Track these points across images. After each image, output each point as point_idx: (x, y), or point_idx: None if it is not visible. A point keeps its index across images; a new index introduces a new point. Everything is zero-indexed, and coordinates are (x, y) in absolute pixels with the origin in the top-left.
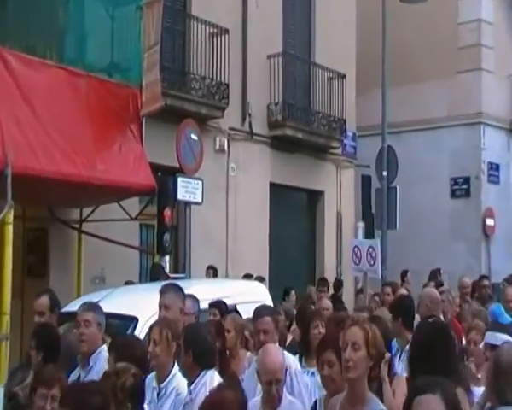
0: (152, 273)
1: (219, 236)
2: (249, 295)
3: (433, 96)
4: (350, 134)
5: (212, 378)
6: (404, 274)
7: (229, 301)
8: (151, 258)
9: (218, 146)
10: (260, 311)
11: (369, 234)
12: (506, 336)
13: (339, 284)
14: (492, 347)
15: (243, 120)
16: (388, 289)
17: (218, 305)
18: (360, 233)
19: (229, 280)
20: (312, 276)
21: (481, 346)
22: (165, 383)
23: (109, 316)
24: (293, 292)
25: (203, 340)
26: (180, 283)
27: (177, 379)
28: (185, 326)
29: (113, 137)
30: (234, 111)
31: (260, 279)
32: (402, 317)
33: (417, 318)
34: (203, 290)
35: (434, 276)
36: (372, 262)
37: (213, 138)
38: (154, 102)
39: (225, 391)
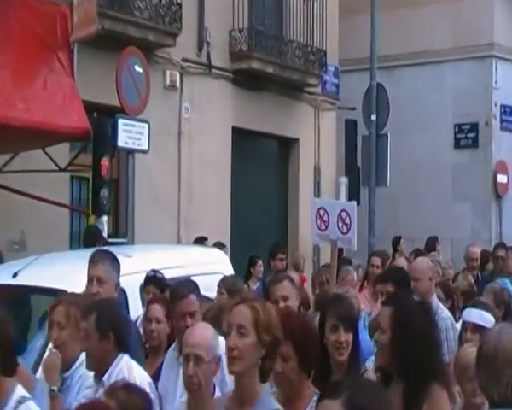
0: (86, 238)
1: (170, 192)
2: (206, 266)
3: (434, 24)
4: (331, 69)
5: (129, 365)
6: (396, 242)
7: (180, 273)
8: (85, 219)
9: (168, 81)
10: (181, 288)
11: (353, 192)
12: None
13: None
14: (476, 328)
15: (199, 49)
16: (377, 260)
17: (155, 280)
18: (342, 191)
19: (181, 247)
20: (284, 242)
21: (458, 325)
22: (70, 372)
23: (31, 290)
24: (260, 262)
25: (123, 319)
26: (120, 249)
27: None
28: (97, 301)
29: (37, 69)
30: (188, 38)
31: (220, 246)
32: (392, 281)
33: None
34: (149, 259)
35: (432, 245)
36: (345, 230)
37: (162, 72)
38: (87, 25)
39: (116, 395)
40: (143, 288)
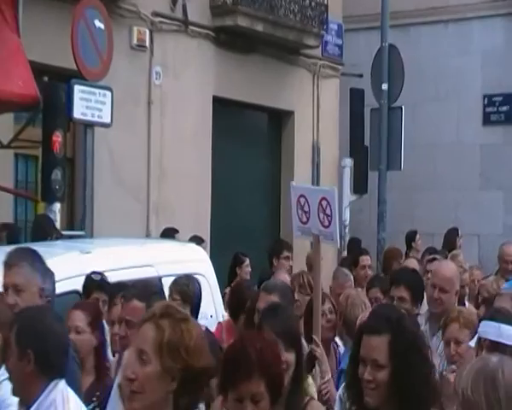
0: (34, 230)
1: (137, 174)
2: (181, 265)
3: None
4: (334, 27)
5: (65, 395)
6: (410, 238)
7: (149, 273)
8: (33, 207)
9: (135, 40)
10: (129, 292)
11: (359, 177)
12: None
13: None
14: (494, 345)
15: (174, 2)
16: (366, 260)
17: (100, 285)
18: (346, 176)
19: (151, 241)
20: (275, 236)
21: (471, 343)
22: None
23: None
24: (247, 261)
25: (49, 333)
26: (77, 244)
27: (6, 387)
28: (18, 312)
29: None
30: None
31: (198, 240)
32: (404, 285)
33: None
34: (111, 256)
35: (452, 240)
36: (326, 222)
37: (129, 28)
38: None
39: None
40: (83, 295)
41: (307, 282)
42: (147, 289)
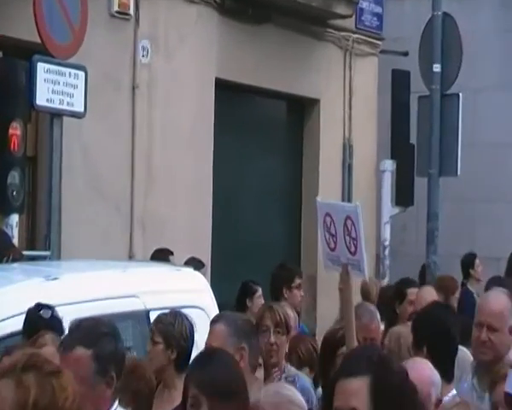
0: None
1: (118, 178)
2: (175, 295)
3: None
4: None
5: None
6: (468, 263)
7: (133, 306)
8: None
9: (116, 6)
10: (71, 337)
11: (403, 185)
12: None
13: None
14: None
15: None
16: (412, 293)
17: (50, 324)
18: (387, 182)
19: (135, 265)
20: (295, 258)
21: None
22: None
23: None
24: (259, 291)
25: None
26: (40, 267)
27: None
28: None
29: None
30: None
31: (196, 264)
32: (427, 346)
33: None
34: (84, 283)
35: None
36: (352, 248)
37: None
38: None
39: None
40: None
41: (284, 318)
42: (94, 329)
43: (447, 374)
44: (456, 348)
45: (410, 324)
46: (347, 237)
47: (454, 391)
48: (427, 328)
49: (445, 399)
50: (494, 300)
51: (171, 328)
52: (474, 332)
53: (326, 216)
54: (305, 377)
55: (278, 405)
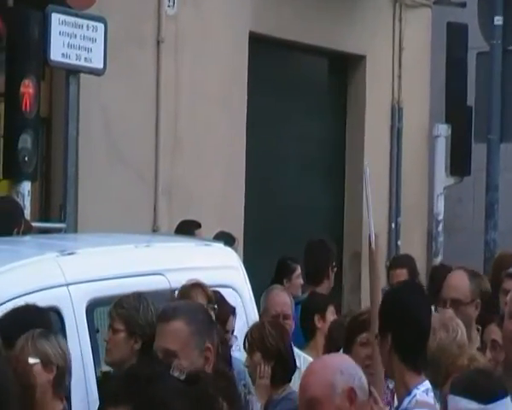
0: None
1: (142, 145)
2: (203, 272)
3: None
4: None
5: None
6: None
7: (158, 284)
8: None
9: None
10: None
11: (460, 151)
12: None
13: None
14: None
15: None
16: None
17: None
18: (440, 149)
19: (160, 239)
20: (338, 233)
21: None
22: None
23: None
24: (298, 269)
25: None
26: (55, 240)
27: None
28: None
29: None
30: None
31: (227, 239)
32: (392, 333)
33: None
34: (104, 259)
35: None
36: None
37: None
38: None
39: None
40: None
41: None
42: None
43: (414, 363)
44: (425, 334)
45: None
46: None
47: (427, 384)
48: (392, 313)
49: (415, 391)
50: None
51: (135, 313)
52: (508, 324)
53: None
54: (240, 360)
55: None
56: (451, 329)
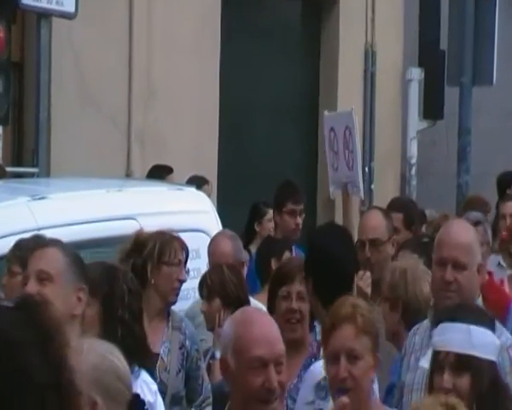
0: None
1: (114, 90)
2: (176, 216)
3: None
4: None
5: None
6: (505, 182)
7: (130, 228)
8: None
9: None
10: None
11: (432, 95)
12: None
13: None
14: (462, 361)
15: None
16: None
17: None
18: (413, 92)
19: (133, 183)
20: (311, 179)
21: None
22: None
23: None
24: (270, 213)
25: None
26: (28, 185)
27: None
28: None
29: None
30: None
31: (200, 182)
32: (313, 276)
33: None
34: (77, 204)
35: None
36: (350, 162)
37: None
38: None
39: None
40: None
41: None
42: None
43: None
44: (346, 278)
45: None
46: (346, 151)
47: None
48: (311, 256)
49: None
50: (461, 231)
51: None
52: (435, 271)
53: (330, 132)
54: (190, 324)
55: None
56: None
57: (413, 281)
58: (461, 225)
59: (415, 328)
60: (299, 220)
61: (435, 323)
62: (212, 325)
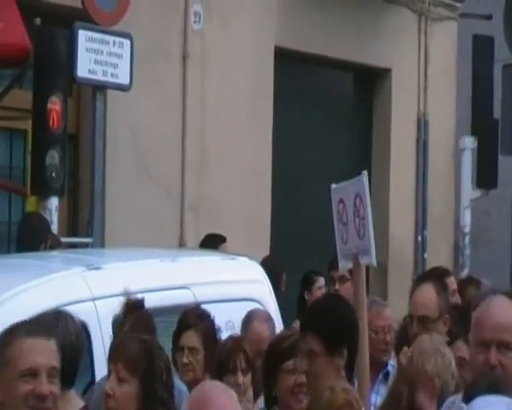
0: (22, 235)
1: (168, 160)
2: (229, 286)
3: None
4: None
5: None
6: None
7: (183, 298)
8: (20, 202)
9: None
10: None
11: (486, 164)
12: None
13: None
14: None
15: None
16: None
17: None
18: (467, 161)
19: (187, 253)
20: None
21: None
22: None
23: None
24: (320, 281)
25: None
26: (82, 255)
27: None
28: None
29: None
30: None
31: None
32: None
33: None
34: (131, 274)
35: None
36: (361, 231)
37: None
38: None
39: None
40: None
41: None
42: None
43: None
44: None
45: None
46: (357, 219)
47: None
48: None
49: None
50: (502, 309)
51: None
52: (476, 355)
53: (339, 204)
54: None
55: None
56: (446, 356)
57: (418, 355)
58: (502, 303)
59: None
60: None
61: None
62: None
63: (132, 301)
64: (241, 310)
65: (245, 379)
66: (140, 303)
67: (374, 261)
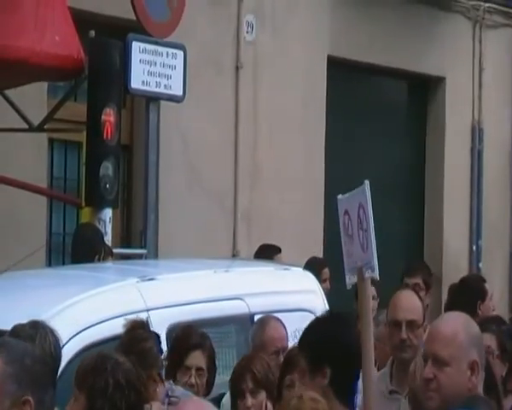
0: (76, 246)
1: (221, 171)
2: (283, 297)
3: None
4: None
5: None
6: None
7: (237, 308)
8: (75, 213)
9: None
10: None
11: None
12: None
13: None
14: None
15: None
16: None
17: None
18: None
19: (240, 264)
20: (417, 256)
21: None
22: None
23: None
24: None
25: None
26: (136, 266)
27: None
28: None
29: None
30: None
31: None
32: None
33: None
34: (183, 286)
35: None
36: (365, 244)
37: None
38: None
39: None
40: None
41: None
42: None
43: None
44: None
45: None
46: (360, 232)
47: None
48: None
49: None
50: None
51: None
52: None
53: (345, 215)
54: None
55: None
56: None
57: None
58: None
59: None
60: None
61: None
62: None
63: (132, 322)
64: (296, 320)
65: (254, 400)
66: (140, 324)
67: (377, 275)
